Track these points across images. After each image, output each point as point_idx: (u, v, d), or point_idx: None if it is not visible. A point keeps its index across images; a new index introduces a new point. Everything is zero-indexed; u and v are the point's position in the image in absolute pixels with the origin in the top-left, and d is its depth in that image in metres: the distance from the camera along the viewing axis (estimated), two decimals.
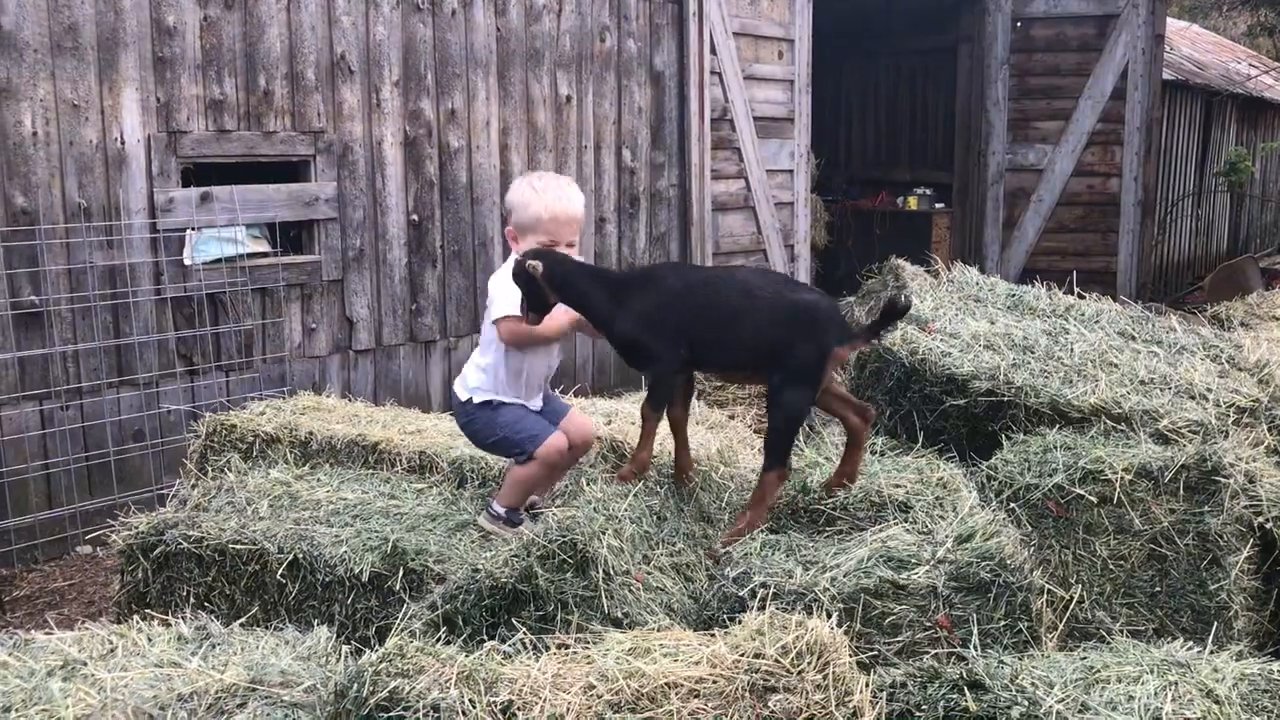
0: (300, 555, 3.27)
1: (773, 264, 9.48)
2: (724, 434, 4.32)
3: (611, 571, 2.80)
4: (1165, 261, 15.23)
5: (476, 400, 3.61)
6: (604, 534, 2.83)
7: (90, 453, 5.72)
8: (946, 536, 2.87)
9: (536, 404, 3.68)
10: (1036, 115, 11.99)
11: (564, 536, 2.78)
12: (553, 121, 7.78)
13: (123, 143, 5.75)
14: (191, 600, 3.38)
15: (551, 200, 3.57)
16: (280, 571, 3.26)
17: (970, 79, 12.19)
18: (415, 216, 7.06)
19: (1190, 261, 16.32)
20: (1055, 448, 3.64)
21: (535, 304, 3.39)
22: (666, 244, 8.72)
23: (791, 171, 9.61)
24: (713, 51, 8.74)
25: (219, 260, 6.10)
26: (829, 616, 2.44)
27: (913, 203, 12.47)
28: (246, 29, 6.17)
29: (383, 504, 3.58)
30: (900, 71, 13.27)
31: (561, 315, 3.54)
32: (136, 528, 3.54)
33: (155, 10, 5.80)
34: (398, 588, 3.15)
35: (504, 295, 3.51)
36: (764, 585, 2.76)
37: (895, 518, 3.11)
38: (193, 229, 5.99)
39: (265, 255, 6.34)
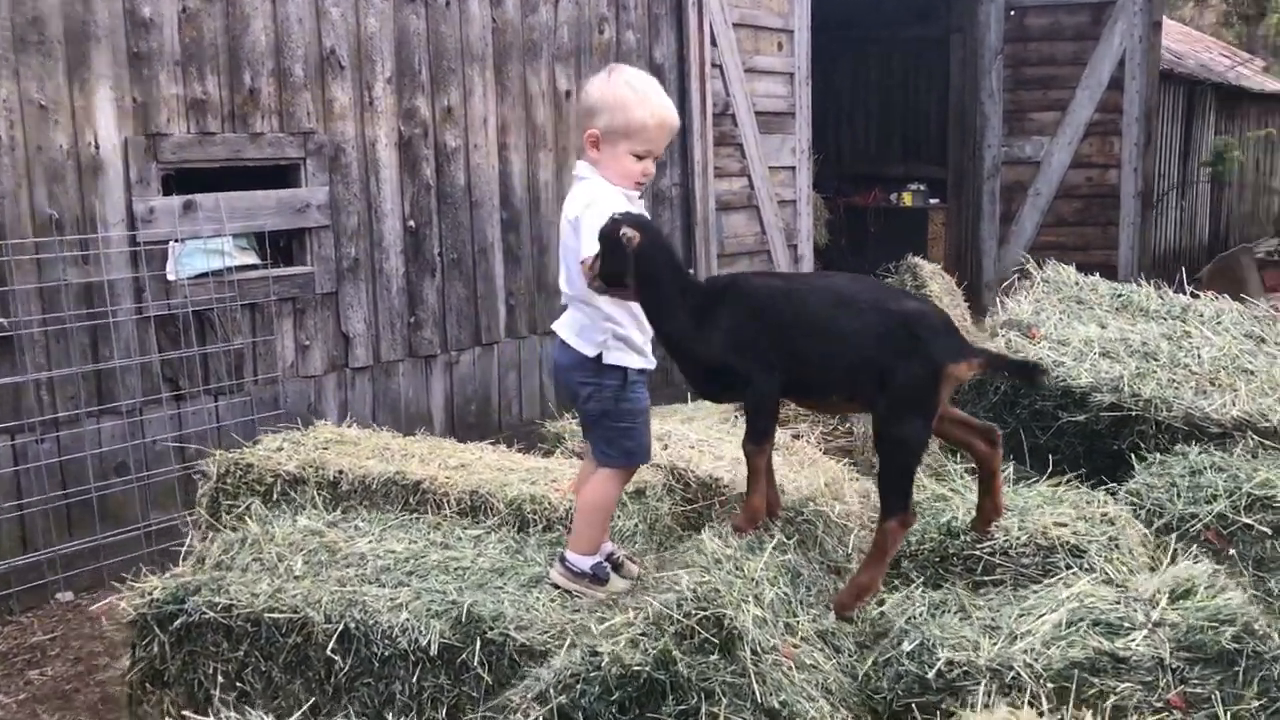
0: (352, 625, 2.77)
1: (776, 265, 9.07)
2: (794, 459, 3.88)
3: (759, 649, 2.34)
4: (1152, 254, 15.01)
5: (608, 359, 3.09)
6: (745, 602, 2.37)
7: (69, 489, 5.17)
8: (1159, 592, 2.44)
9: (651, 355, 3.20)
10: (1032, 106, 11.68)
11: (705, 609, 2.31)
12: (552, 118, 7.31)
13: (97, 147, 5.21)
14: (220, 679, 2.87)
15: (658, 106, 3.11)
16: (330, 645, 2.77)
17: (963, 70, 11.87)
18: (412, 222, 6.56)
19: (1177, 253, 16.13)
20: (1206, 469, 3.23)
21: (609, 273, 2.92)
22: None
23: (794, 168, 9.20)
24: (713, 43, 8.32)
25: (205, 274, 5.58)
26: (1039, 700, 2.00)
27: (907, 198, 12.12)
28: (229, 22, 5.65)
29: (438, 556, 3.08)
30: (891, 63, 12.93)
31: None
32: (150, 594, 3.02)
33: (129, 1, 5.27)
34: (474, 663, 2.67)
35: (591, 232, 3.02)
36: (952, 664, 2.31)
37: (1070, 565, 2.67)
38: (176, 241, 5.46)
39: (254, 268, 5.82)
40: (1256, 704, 2.32)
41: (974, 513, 3.01)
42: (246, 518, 3.38)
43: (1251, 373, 3.72)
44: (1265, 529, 3.01)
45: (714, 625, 2.32)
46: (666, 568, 2.79)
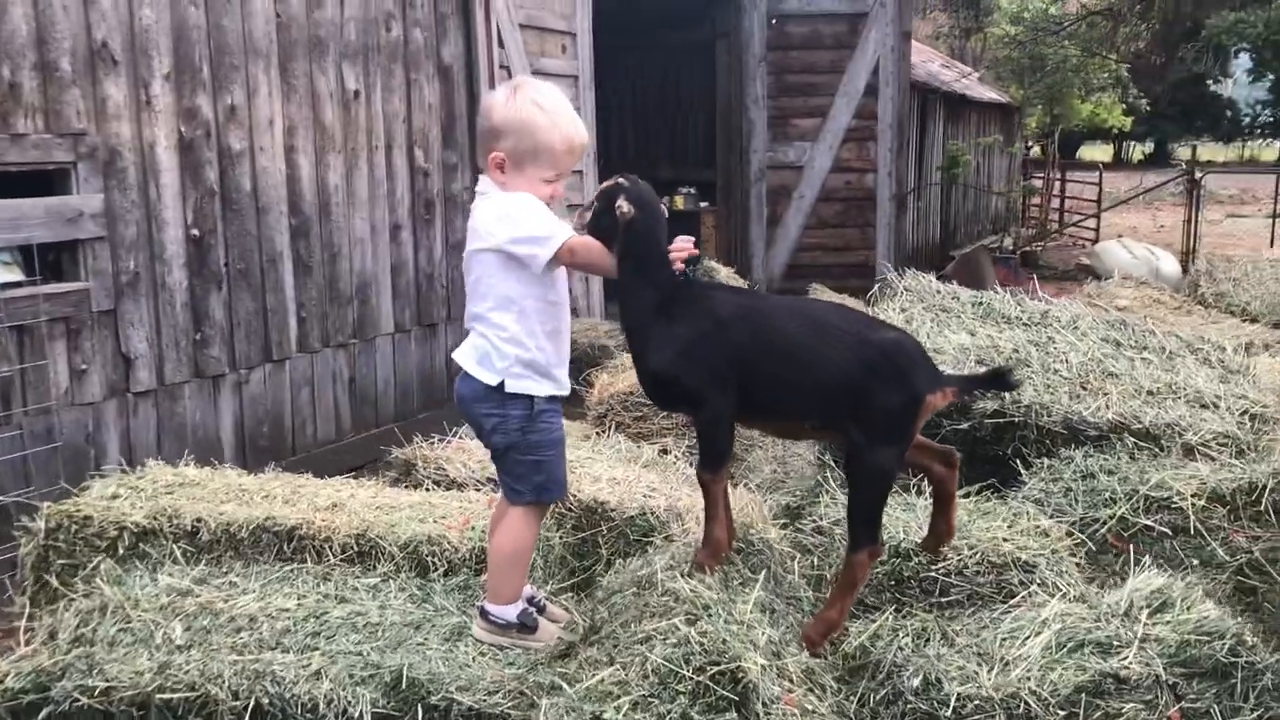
0: (265, 700, 2.43)
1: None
2: (668, 474, 3.76)
3: (766, 700, 2.18)
4: (904, 253, 15.85)
5: (511, 388, 2.88)
6: (749, 650, 2.21)
7: None
8: (1134, 606, 2.46)
9: (565, 379, 3.02)
10: (795, 113, 12.07)
11: (717, 663, 2.14)
12: (341, 119, 6.91)
13: None
14: None
15: (568, 128, 2.94)
16: None
17: (729, 76, 12.12)
18: (196, 231, 6.02)
19: (914, 250, 17.12)
20: (1097, 473, 3.33)
21: (595, 230, 2.87)
22: (463, 252, 8.00)
23: (582, 173, 9.10)
24: (500, 44, 8.10)
25: None
26: None
27: (679, 202, 12.25)
28: None
29: (340, 612, 2.76)
30: (658, 67, 13.03)
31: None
32: (1, 682, 2.55)
33: None
34: None
35: (549, 220, 2.86)
36: (962, 698, 2.24)
37: (1023, 581, 2.66)
38: None
39: (20, 285, 5.18)
40: (1253, 716, 2.39)
41: (925, 533, 3.00)
42: (97, 579, 2.92)
43: (1117, 376, 3.91)
44: (1165, 529, 3.15)
45: (729, 681, 2.15)
46: (623, 613, 2.59)
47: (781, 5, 11.94)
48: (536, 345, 2.91)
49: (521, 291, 2.90)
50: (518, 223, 2.85)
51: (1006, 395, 3.69)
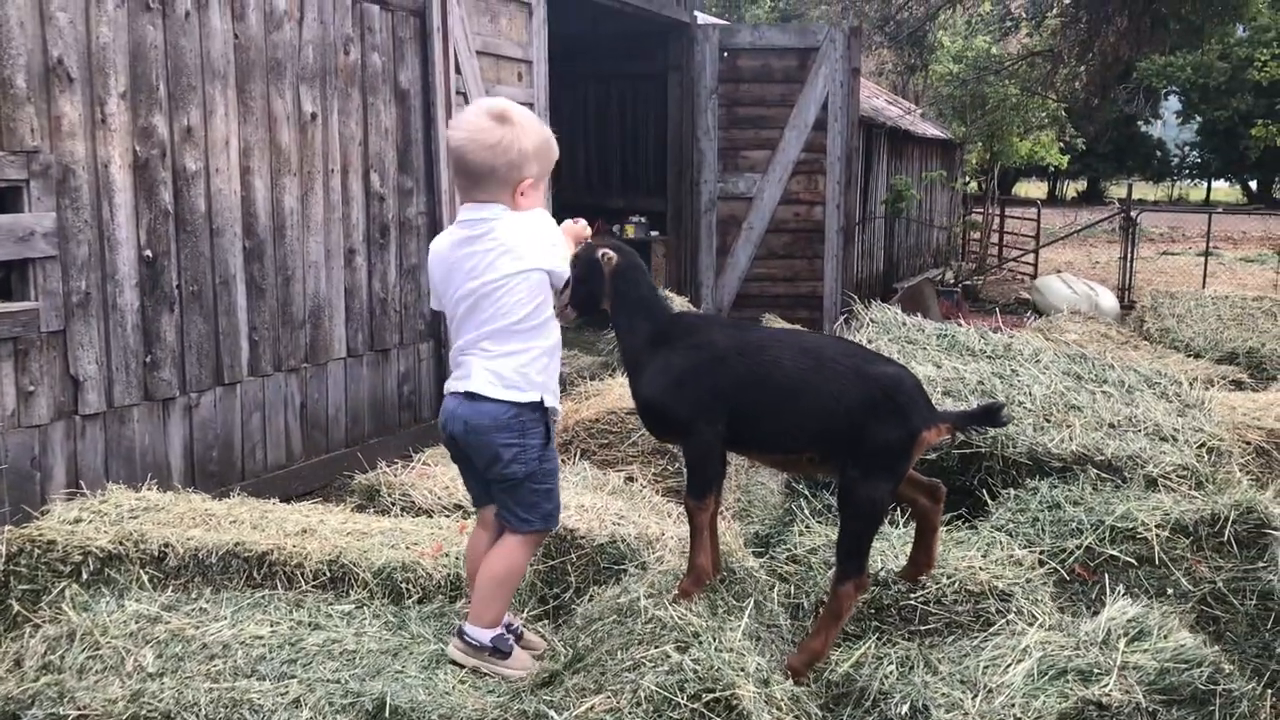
0: None
1: None
2: (636, 501, 3.76)
3: None
4: (852, 284, 16.04)
5: (549, 402, 2.93)
6: (740, 677, 2.21)
7: None
8: (1111, 635, 2.50)
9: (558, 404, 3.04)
10: (745, 144, 12.20)
11: (712, 691, 2.13)
12: (297, 141, 6.86)
13: None
14: None
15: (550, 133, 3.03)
16: None
17: (681, 107, 12.22)
18: (149, 252, 5.94)
19: (859, 282, 17.34)
20: (1062, 503, 3.39)
21: (585, 296, 2.91)
22: (417, 277, 7.98)
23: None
24: (457, 71, 8.11)
25: None
26: None
27: (630, 231, 12.31)
28: None
29: (315, 639, 2.72)
30: (610, 98, 13.11)
31: None
32: None
33: None
34: None
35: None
36: None
37: (1000, 610, 2.70)
38: None
39: None
40: None
41: (902, 560, 3.03)
42: (63, 605, 2.85)
43: (1079, 409, 4.00)
44: (1131, 560, 3.21)
45: (724, 708, 2.15)
46: (607, 640, 2.58)
47: (733, 39, 12.08)
48: (545, 369, 2.93)
49: (546, 309, 2.92)
50: (557, 244, 2.91)
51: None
